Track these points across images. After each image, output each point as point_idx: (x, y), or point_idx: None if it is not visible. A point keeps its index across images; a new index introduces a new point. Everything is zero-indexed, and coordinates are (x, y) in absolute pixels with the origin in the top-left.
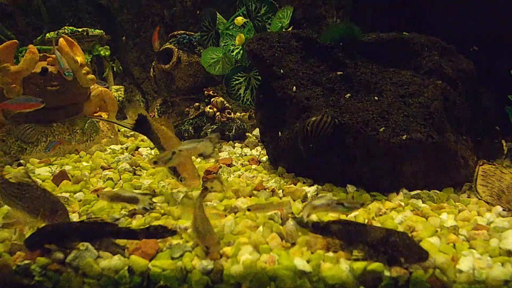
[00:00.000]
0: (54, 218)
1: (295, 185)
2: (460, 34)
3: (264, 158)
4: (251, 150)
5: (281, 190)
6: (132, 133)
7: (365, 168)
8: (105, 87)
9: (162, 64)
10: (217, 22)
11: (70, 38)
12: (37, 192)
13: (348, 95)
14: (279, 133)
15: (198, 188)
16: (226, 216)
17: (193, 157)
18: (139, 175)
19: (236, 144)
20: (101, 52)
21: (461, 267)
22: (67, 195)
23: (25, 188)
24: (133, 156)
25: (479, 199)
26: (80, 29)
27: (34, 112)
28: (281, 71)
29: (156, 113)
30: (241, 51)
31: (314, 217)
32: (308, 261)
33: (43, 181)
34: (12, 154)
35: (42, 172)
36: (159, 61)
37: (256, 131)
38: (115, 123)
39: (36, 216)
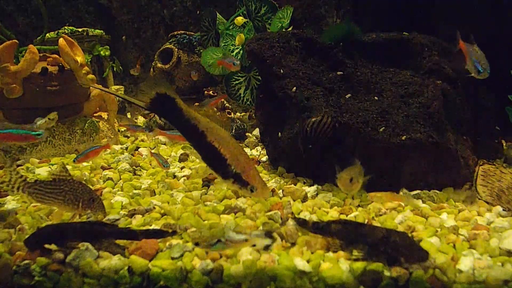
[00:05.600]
0: (93, 206)
1: (295, 185)
2: (460, 34)
3: (264, 158)
4: (251, 150)
5: (281, 190)
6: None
7: (365, 168)
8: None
9: (162, 64)
10: (217, 22)
11: (70, 38)
12: (75, 185)
13: (349, 95)
14: (279, 133)
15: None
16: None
17: (194, 157)
18: (139, 175)
19: None
20: (101, 52)
21: (461, 267)
22: None
23: (63, 183)
24: (133, 156)
25: (479, 199)
26: (80, 29)
27: (34, 112)
28: (281, 71)
29: None
30: (241, 51)
31: (314, 217)
32: (308, 261)
33: None
34: (12, 154)
35: (42, 172)
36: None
37: (256, 131)
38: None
39: (77, 207)
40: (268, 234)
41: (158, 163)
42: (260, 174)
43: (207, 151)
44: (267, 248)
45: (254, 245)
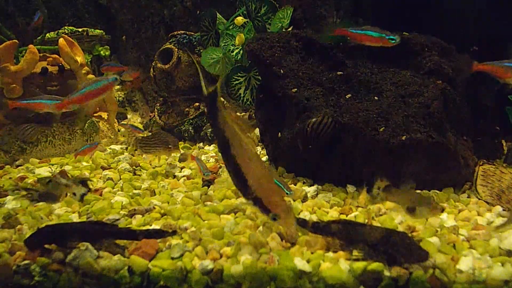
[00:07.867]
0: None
1: (295, 185)
2: (460, 34)
3: (264, 158)
4: None
5: None
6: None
7: (365, 168)
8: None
9: (162, 64)
10: (217, 22)
11: (70, 38)
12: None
13: (349, 95)
14: (279, 133)
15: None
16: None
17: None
18: (139, 175)
19: None
20: (101, 52)
21: (461, 267)
22: None
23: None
24: (133, 156)
25: (479, 199)
26: (80, 29)
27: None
28: (281, 71)
29: (156, 113)
30: (241, 51)
31: (314, 217)
32: (308, 261)
33: None
34: (12, 154)
35: (42, 172)
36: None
37: (256, 131)
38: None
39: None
40: (84, 183)
41: (199, 168)
42: None
43: (229, 165)
44: (82, 197)
45: (74, 194)
